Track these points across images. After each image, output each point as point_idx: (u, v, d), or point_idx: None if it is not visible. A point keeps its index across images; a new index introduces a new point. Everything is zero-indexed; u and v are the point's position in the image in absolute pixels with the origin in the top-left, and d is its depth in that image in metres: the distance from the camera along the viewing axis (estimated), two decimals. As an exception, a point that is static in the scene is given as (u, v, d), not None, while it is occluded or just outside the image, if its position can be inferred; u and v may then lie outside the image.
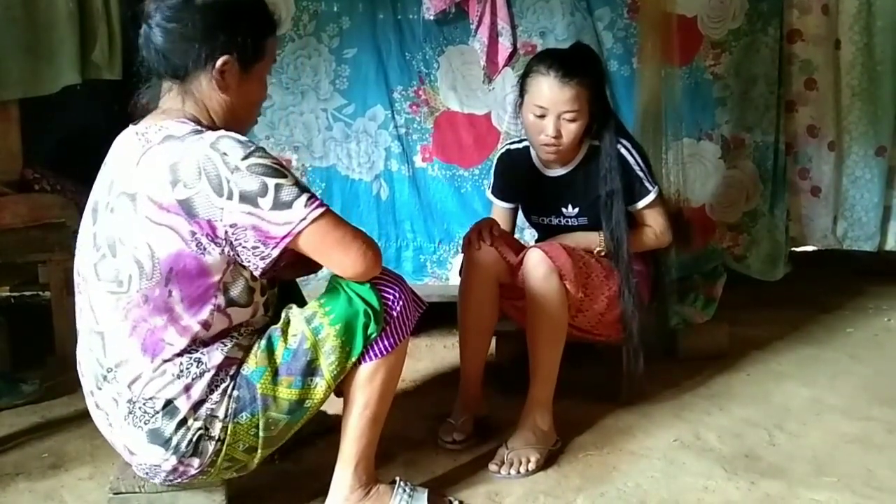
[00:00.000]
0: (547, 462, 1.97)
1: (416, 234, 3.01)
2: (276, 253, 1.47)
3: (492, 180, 2.39)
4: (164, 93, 1.56)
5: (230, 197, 1.42)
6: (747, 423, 2.20)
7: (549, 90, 2.07)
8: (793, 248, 3.23)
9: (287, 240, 1.46)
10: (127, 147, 1.51)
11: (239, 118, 1.58)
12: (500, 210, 2.38)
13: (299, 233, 1.46)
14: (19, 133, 2.64)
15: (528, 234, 2.82)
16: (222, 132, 1.47)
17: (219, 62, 1.49)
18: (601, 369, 2.42)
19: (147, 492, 1.63)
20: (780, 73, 3.00)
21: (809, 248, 3.45)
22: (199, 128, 1.49)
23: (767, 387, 2.45)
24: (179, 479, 1.56)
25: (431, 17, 2.87)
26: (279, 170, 1.46)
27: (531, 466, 1.93)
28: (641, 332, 2.18)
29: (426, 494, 1.73)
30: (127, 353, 1.49)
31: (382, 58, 2.93)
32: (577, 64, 2.10)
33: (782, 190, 3.06)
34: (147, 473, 1.57)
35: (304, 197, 1.46)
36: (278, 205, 1.44)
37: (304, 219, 1.45)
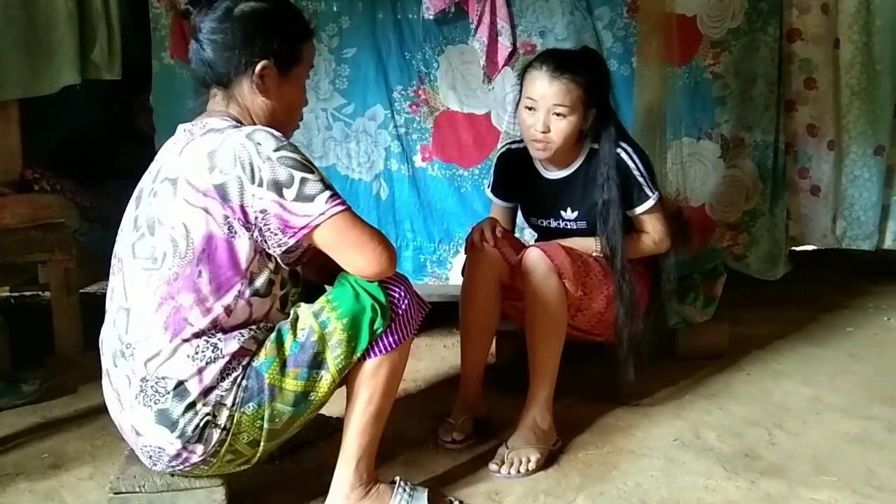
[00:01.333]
0: (547, 461, 1.97)
1: (415, 233, 3.01)
2: (291, 242, 1.54)
3: (491, 178, 2.39)
4: (210, 98, 1.66)
5: (261, 184, 1.50)
6: (747, 422, 2.21)
7: (540, 83, 2.08)
8: (792, 248, 3.23)
9: (304, 231, 1.52)
10: (174, 141, 1.63)
11: (279, 121, 1.66)
12: (499, 209, 2.38)
13: (317, 226, 1.52)
14: (19, 133, 2.64)
15: (527, 234, 2.82)
16: (259, 126, 1.58)
17: (258, 67, 1.60)
18: (601, 369, 2.42)
19: (147, 491, 1.63)
20: (780, 72, 3.00)
21: (809, 248, 3.46)
22: (237, 123, 1.59)
23: (767, 386, 2.45)
24: (181, 467, 1.58)
25: (431, 17, 2.87)
26: (307, 165, 1.54)
27: (531, 466, 1.93)
28: (634, 339, 2.17)
29: (426, 494, 1.73)
30: (149, 330, 1.54)
31: (382, 57, 2.93)
32: (571, 62, 2.10)
33: (782, 189, 3.07)
34: (151, 457, 1.59)
35: (327, 193, 1.53)
36: (301, 197, 1.51)
37: (322, 213, 1.52)
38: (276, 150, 1.51)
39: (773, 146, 3.03)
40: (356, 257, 1.57)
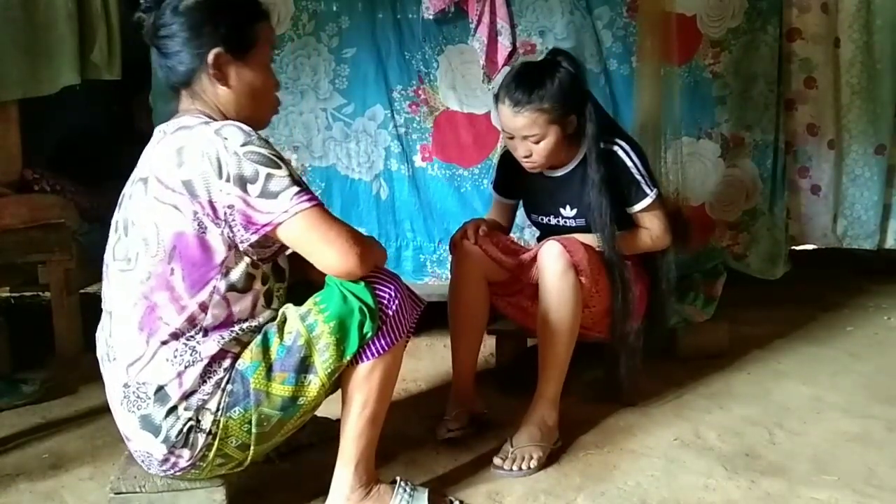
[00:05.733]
0: (548, 461, 1.97)
1: (415, 233, 3.01)
2: (253, 238, 1.51)
3: (494, 175, 2.40)
4: (181, 100, 1.64)
5: (227, 179, 1.48)
6: (747, 421, 2.20)
7: (506, 118, 2.08)
8: (792, 247, 3.23)
9: (266, 228, 1.50)
10: (151, 143, 1.62)
11: (249, 110, 1.63)
12: (499, 205, 2.39)
13: (279, 224, 1.50)
14: (19, 133, 2.64)
15: (528, 234, 2.82)
16: (228, 121, 1.55)
17: (210, 56, 1.56)
18: (601, 369, 2.42)
19: (148, 492, 1.63)
20: (780, 71, 3.00)
21: (809, 247, 3.46)
22: (208, 119, 1.57)
23: (767, 385, 2.45)
24: (172, 471, 1.58)
25: (431, 17, 2.87)
26: (275, 161, 1.51)
27: (533, 464, 1.93)
28: (629, 336, 2.17)
29: (427, 494, 1.73)
30: (127, 332, 1.54)
31: (382, 57, 2.93)
32: (526, 90, 2.03)
33: (782, 188, 3.07)
34: (143, 462, 1.59)
35: (293, 190, 1.49)
36: (265, 193, 1.48)
37: (286, 211, 1.49)
38: (244, 144, 1.48)
39: (772, 145, 3.03)
40: (324, 254, 1.53)
